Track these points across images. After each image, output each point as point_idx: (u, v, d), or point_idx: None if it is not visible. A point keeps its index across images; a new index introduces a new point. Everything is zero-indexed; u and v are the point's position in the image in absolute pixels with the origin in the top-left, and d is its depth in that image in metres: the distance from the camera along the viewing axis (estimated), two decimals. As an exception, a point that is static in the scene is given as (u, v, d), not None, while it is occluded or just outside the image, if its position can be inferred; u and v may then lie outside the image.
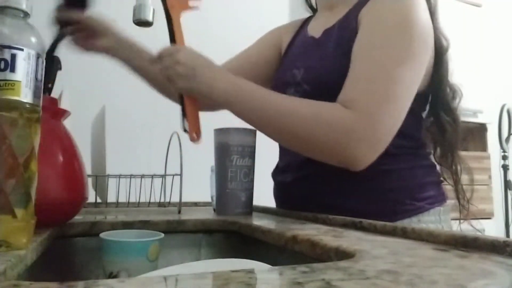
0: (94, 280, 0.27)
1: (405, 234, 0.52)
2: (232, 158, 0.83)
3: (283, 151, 0.88)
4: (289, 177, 0.82)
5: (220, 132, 0.86)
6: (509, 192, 2.30)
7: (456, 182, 0.81)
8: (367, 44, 0.66)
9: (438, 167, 0.80)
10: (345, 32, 0.72)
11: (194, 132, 0.72)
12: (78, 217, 0.69)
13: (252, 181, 0.86)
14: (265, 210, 0.94)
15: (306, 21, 0.94)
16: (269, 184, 1.86)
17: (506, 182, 2.31)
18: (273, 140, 0.76)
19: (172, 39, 0.73)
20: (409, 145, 0.74)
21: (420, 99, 0.72)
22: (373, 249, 0.43)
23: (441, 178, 0.80)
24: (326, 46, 0.75)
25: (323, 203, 0.73)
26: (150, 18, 0.72)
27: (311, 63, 0.74)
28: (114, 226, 0.67)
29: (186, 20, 1.75)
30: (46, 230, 0.53)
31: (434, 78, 0.76)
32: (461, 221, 0.82)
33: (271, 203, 1.02)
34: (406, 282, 0.29)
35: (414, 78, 0.66)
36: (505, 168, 2.32)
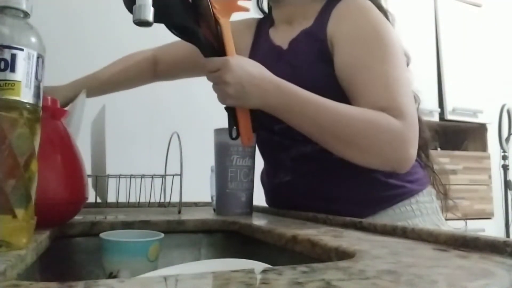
0: (94, 280, 0.27)
1: (405, 234, 0.52)
2: (232, 158, 0.83)
3: (267, 154, 0.90)
4: (285, 177, 0.84)
5: (220, 132, 0.86)
6: (509, 192, 2.30)
7: (434, 178, 0.85)
8: (362, 62, 0.69)
9: None
10: (314, 44, 0.75)
11: (247, 138, 0.72)
12: (78, 217, 0.69)
13: (252, 181, 0.86)
14: (265, 210, 0.94)
15: (262, 25, 0.93)
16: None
17: (506, 182, 2.31)
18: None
19: (221, 47, 0.68)
20: None
21: None
22: (373, 249, 0.43)
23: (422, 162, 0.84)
24: (296, 58, 0.77)
25: (324, 197, 0.76)
26: (150, 18, 0.72)
27: (284, 75, 0.70)
28: (114, 226, 0.67)
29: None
30: (46, 230, 0.53)
31: None
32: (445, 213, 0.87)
33: (271, 203, 1.02)
34: (406, 282, 0.29)
35: (409, 78, 0.72)
36: (505, 168, 2.32)
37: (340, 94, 0.71)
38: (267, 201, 0.95)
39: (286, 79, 0.69)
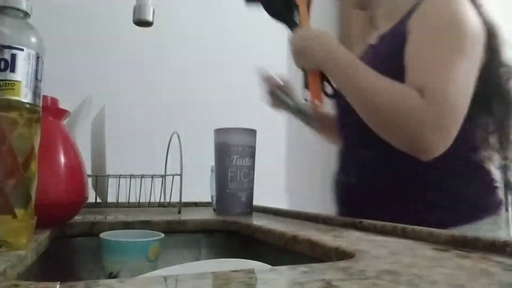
0: (94, 280, 0.27)
1: (405, 234, 0.52)
2: (232, 158, 0.83)
3: (343, 151, 0.90)
4: (349, 178, 0.84)
5: (220, 132, 0.86)
6: (509, 192, 2.30)
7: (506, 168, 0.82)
8: (421, 46, 0.70)
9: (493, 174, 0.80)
10: (396, 38, 0.76)
11: (316, 99, 0.79)
12: (78, 217, 0.69)
13: (252, 181, 0.86)
14: (265, 210, 0.94)
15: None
16: (269, 184, 1.87)
17: (506, 182, 2.31)
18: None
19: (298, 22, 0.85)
20: (466, 153, 0.75)
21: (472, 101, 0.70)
22: (373, 249, 0.43)
23: (495, 184, 0.80)
24: (380, 51, 0.81)
25: (384, 209, 0.69)
26: (150, 18, 0.72)
27: (371, 65, 0.75)
28: (114, 226, 0.67)
29: (190, 19, 1.73)
30: (46, 230, 0.53)
31: (484, 69, 0.72)
32: None
33: (271, 203, 1.02)
34: (406, 282, 0.29)
35: (469, 72, 0.68)
36: (505, 168, 2.31)
37: None
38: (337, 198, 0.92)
39: (377, 68, 0.72)
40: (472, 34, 0.69)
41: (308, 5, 0.85)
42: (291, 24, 0.85)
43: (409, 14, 0.77)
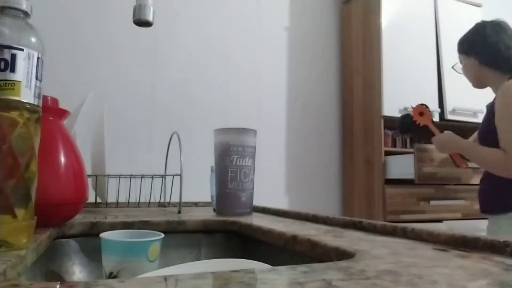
0: (94, 280, 0.27)
1: (405, 234, 0.52)
2: (232, 158, 0.83)
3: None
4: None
5: (220, 132, 0.86)
6: None
7: None
8: (499, 120, 1.25)
9: None
10: (490, 110, 1.30)
11: (462, 165, 1.60)
12: (78, 217, 0.69)
13: (252, 181, 0.86)
14: (265, 210, 0.94)
15: None
16: (269, 184, 1.86)
17: (506, 182, 2.31)
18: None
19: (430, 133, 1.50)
20: None
21: None
22: (373, 249, 0.43)
23: None
24: (486, 115, 1.37)
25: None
26: (150, 18, 0.72)
27: (482, 123, 1.41)
28: (114, 226, 0.67)
29: (189, 19, 1.74)
30: (46, 230, 0.53)
31: None
32: None
33: (271, 203, 1.02)
34: (406, 282, 0.29)
35: None
36: (505, 168, 2.32)
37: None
38: None
39: (482, 127, 1.38)
40: None
41: (432, 121, 1.49)
42: (421, 137, 1.68)
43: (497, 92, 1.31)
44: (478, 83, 1.41)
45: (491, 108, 1.31)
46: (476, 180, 2.43)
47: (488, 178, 1.32)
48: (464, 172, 2.27)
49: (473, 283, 0.29)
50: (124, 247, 0.52)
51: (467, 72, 1.42)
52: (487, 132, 1.29)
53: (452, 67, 1.59)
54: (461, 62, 1.44)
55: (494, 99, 1.31)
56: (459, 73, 1.48)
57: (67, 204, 0.58)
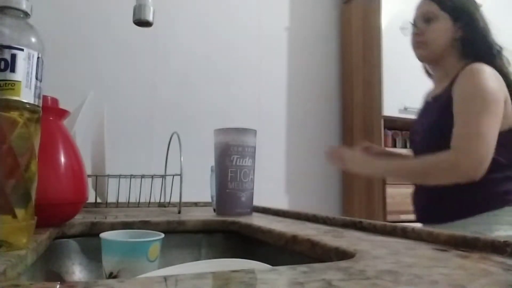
0: (94, 280, 0.27)
1: (405, 234, 0.52)
2: (232, 158, 0.83)
3: None
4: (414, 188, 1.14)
5: (220, 132, 0.86)
6: None
7: None
8: (458, 111, 0.97)
9: None
10: (444, 101, 1.03)
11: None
12: (78, 217, 0.69)
13: (252, 181, 0.86)
14: (265, 210, 0.94)
15: None
16: (269, 184, 1.86)
17: None
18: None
19: None
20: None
21: (508, 136, 0.99)
22: (373, 249, 0.43)
23: None
24: (434, 109, 1.08)
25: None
26: (150, 18, 0.72)
27: (426, 120, 1.10)
28: (114, 226, 0.67)
29: (189, 19, 1.74)
30: (46, 230, 0.53)
31: None
32: None
33: (271, 203, 1.02)
34: (406, 282, 0.29)
35: (491, 127, 0.94)
36: None
37: None
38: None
39: (430, 125, 1.06)
40: (492, 95, 0.95)
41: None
42: None
43: (453, 80, 1.02)
44: (434, 59, 1.10)
45: (446, 97, 1.02)
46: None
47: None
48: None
49: (473, 283, 0.29)
50: (124, 247, 0.52)
51: (435, 37, 1.07)
52: (445, 125, 0.99)
53: (402, 28, 1.16)
54: (427, 21, 1.09)
55: (450, 85, 1.02)
56: (405, 35, 1.12)
57: (67, 204, 0.58)
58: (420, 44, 1.10)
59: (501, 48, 1.11)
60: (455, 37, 1.07)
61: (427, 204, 1.08)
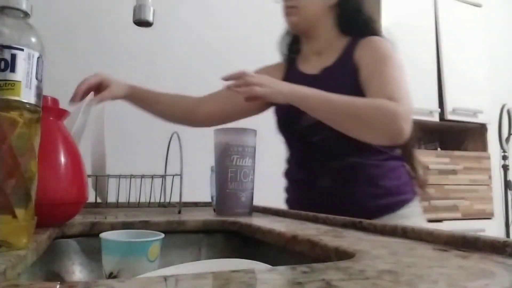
0: (94, 280, 0.27)
1: (405, 234, 0.52)
2: (232, 158, 0.83)
3: (309, 161, 1.07)
4: (324, 183, 1.00)
5: (220, 132, 0.86)
6: (509, 192, 2.30)
7: (415, 172, 1.05)
8: (377, 73, 0.93)
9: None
10: (345, 70, 0.97)
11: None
12: (78, 217, 0.69)
13: (252, 181, 0.86)
14: (265, 210, 0.94)
15: (289, 64, 1.15)
16: (269, 184, 1.86)
17: (506, 182, 2.31)
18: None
19: None
20: (396, 149, 1.01)
21: None
22: (373, 249, 0.43)
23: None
24: (328, 81, 0.97)
25: (352, 201, 0.95)
26: (150, 18, 0.72)
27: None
28: (114, 226, 0.67)
29: (189, 19, 1.73)
30: (46, 230, 0.53)
31: None
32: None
33: (271, 203, 1.02)
34: (406, 282, 0.29)
35: (407, 85, 0.93)
36: (505, 168, 2.32)
37: None
38: (298, 203, 1.06)
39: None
40: (399, 61, 0.96)
41: None
42: None
43: (347, 51, 0.99)
44: (307, 27, 1.02)
45: (346, 67, 0.96)
46: (478, 179, 2.43)
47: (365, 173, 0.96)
48: (464, 171, 2.27)
49: (473, 283, 0.29)
50: (124, 247, 0.52)
51: (306, 5, 0.99)
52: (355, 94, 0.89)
53: None
54: None
55: (345, 57, 0.98)
56: (277, 2, 1.02)
57: (67, 204, 0.58)
58: (292, 9, 1.00)
59: (374, 22, 1.05)
60: (329, 3, 1.00)
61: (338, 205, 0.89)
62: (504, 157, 2.31)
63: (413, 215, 0.97)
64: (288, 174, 1.15)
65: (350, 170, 0.97)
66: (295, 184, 1.12)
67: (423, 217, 1.02)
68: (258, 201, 0.93)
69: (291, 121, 1.04)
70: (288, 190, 1.14)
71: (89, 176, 0.77)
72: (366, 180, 0.96)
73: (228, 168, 0.84)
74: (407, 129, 0.84)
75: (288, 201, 1.12)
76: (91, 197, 0.80)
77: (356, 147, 0.92)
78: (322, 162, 1.00)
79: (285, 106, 0.95)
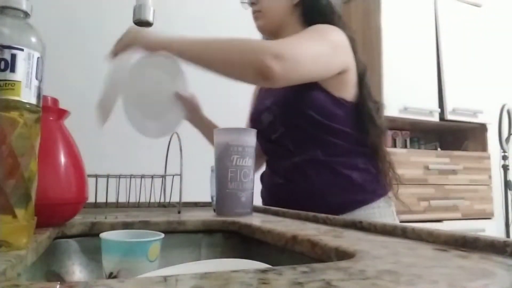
0: (94, 280, 0.27)
1: (405, 234, 0.52)
2: (232, 158, 0.83)
3: (268, 160, 1.10)
4: (279, 180, 1.02)
5: (220, 132, 0.86)
6: (509, 192, 2.30)
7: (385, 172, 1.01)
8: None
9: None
10: None
11: None
12: (78, 217, 0.69)
13: (252, 181, 0.86)
14: (265, 210, 0.94)
15: None
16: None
17: (506, 182, 2.31)
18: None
19: None
20: (357, 147, 0.97)
21: (350, 107, 0.96)
22: (373, 249, 0.43)
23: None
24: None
25: (309, 197, 0.95)
26: (150, 18, 0.72)
27: (274, 93, 1.00)
28: (114, 226, 0.67)
29: (189, 19, 1.73)
30: (46, 230, 0.53)
31: (359, 96, 0.98)
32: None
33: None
34: (406, 282, 0.29)
35: (324, 52, 0.88)
36: (505, 168, 2.32)
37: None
38: (264, 199, 1.09)
39: (276, 96, 0.99)
40: (333, 38, 0.91)
41: None
42: None
43: None
44: (273, 29, 1.03)
45: None
46: (478, 179, 2.43)
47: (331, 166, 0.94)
48: (464, 171, 2.27)
49: (473, 283, 0.29)
50: (124, 247, 0.52)
51: (269, 4, 1.01)
52: (299, 92, 0.93)
53: (241, 1, 1.06)
54: None
55: None
56: (245, 9, 1.05)
57: (67, 204, 0.58)
58: (257, 14, 1.03)
59: (340, 15, 1.03)
60: (293, 2, 1.00)
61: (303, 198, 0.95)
62: (504, 157, 2.31)
63: (374, 217, 0.92)
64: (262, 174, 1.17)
65: (301, 167, 0.96)
66: (261, 181, 1.14)
67: (390, 218, 0.96)
68: (258, 201, 0.93)
69: (255, 121, 1.07)
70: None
71: (89, 176, 0.77)
72: (318, 177, 0.95)
73: (228, 168, 0.84)
74: (275, 66, 0.78)
75: (262, 197, 1.13)
76: (91, 197, 0.80)
77: (312, 144, 0.94)
78: (277, 160, 1.03)
79: (252, 106, 1.02)
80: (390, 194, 0.99)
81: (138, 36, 0.91)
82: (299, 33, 0.89)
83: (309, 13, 1.00)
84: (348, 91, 0.96)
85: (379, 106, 1.01)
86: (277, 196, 1.03)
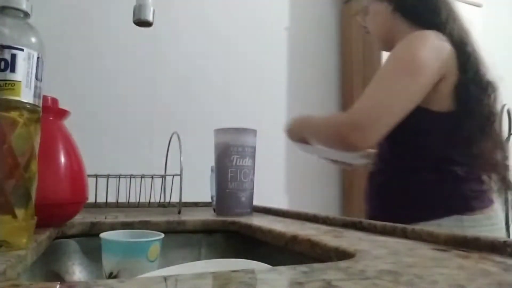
0: (94, 280, 0.27)
1: (405, 234, 0.52)
2: (232, 158, 0.83)
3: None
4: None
5: (220, 132, 0.86)
6: (509, 192, 2.30)
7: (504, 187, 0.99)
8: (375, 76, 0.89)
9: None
10: None
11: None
12: (78, 217, 0.69)
13: (252, 181, 0.86)
14: (265, 210, 0.94)
15: None
16: (269, 184, 1.86)
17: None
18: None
19: None
20: (430, 163, 0.90)
21: (445, 120, 0.89)
22: (373, 249, 0.43)
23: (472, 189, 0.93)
24: None
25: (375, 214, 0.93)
26: (150, 18, 0.72)
27: None
28: (114, 226, 0.67)
29: (189, 19, 1.74)
30: (46, 230, 0.53)
31: (458, 101, 0.92)
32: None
33: (271, 203, 1.02)
34: (406, 282, 0.29)
35: (394, 93, 0.85)
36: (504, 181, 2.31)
37: None
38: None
39: None
40: (414, 62, 0.85)
41: None
42: None
43: None
44: (386, 41, 1.02)
45: None
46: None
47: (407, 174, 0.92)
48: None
49: (473, 283, 0.29)
50: (124, 247, 0.52)
51: (375, 22, 1.03)
52: None
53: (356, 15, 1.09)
54: (365, 13, 1.05)
55: None
56: (365, 27, 1.07)
57: (67, 204, 0.58)
58: (365, 29, 1.07)
59: (451, 10, 0.97)
60: (392, 13, 0.98)
61: (376, 208, 0.96)
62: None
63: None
64: None
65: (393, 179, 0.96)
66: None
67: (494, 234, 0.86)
68: (258, 201, 0.93)
69: None
70: None
71: (89, 176, 0.77)
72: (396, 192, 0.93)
73: (228, 168, 0.84)
74: (353, 138, 0.81)
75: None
76: (91, 197, 0.80)
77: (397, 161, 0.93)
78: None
79: None
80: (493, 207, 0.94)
81: (287, 129, 1.05)
82: (374, 78, 0.87)
83: (407, 15, 0.97)
84: (441, 102, 0.89)
85: (494, 117, 0.97)
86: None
